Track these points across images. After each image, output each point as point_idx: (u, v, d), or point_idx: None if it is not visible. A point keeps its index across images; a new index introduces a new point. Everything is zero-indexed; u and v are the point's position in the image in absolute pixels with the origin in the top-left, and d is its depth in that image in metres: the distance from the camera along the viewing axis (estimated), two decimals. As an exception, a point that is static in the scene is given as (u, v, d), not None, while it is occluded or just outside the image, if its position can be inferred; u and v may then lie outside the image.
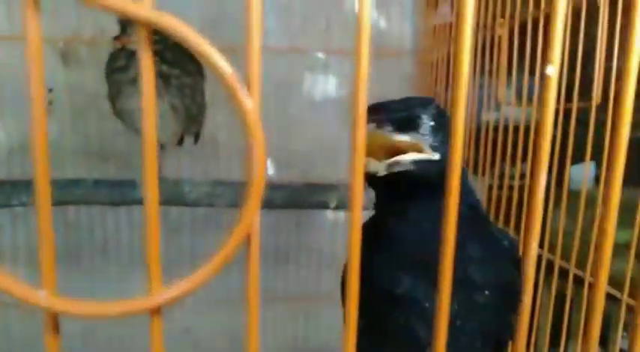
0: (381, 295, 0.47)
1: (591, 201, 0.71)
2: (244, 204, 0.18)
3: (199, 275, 0.18)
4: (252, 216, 0.18)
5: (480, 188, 0.88)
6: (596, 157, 0.70)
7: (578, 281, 0.74)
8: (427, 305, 0.46)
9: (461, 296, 0.45)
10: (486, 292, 0.47)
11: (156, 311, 0.19)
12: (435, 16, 1.09)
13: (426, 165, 0.45)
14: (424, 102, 0.47)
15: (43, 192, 0.17)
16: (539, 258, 0.77)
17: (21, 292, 0.18)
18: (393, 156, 0.44)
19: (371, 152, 0.44)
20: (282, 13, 1.15)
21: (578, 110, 0.72)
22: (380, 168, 0.44)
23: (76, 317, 0.18)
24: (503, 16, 0.84)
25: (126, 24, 0.75)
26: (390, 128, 0.44)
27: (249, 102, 0.17)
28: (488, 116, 0.87)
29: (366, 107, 0.22)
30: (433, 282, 0.44)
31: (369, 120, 0.42)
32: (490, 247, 0.49)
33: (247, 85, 0.18)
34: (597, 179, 0.74)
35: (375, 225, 0.49)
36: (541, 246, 0.77)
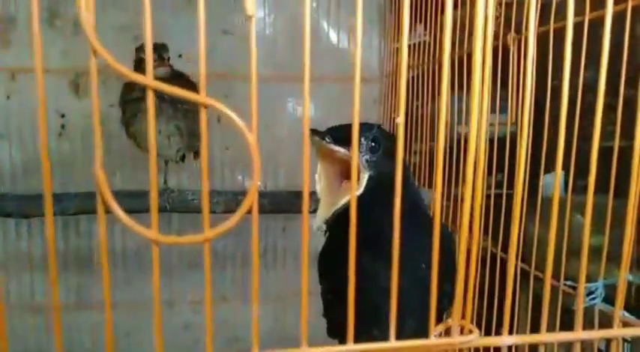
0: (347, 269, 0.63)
1: (561, 208, 0.76)
2: (250, 189, 0.35)
3: (231, 221, 0.35)
4: (254, 194, 0.35)
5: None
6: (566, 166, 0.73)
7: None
8: (381, 278, 0.62)
9: (404, 270, 0.62)
10: (423, 265, 0.64)
11: (207, 241, 0.35)
12: (409, 37, 1.26)
13: (369, 184, 0.61)
14: (367, 128, 0.63)
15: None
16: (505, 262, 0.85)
17: (137, 229, 0.34)
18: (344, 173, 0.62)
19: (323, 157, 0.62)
20: (269, 45, 1.33)
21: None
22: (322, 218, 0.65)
23: (165, 244, 0.34)
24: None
25: (142, 58, 0.90)
26: (329, 140, 0.60)
27: (251, 137, 0.34)
28: (466, 129, 1.01)
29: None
30: (380, 259, 0.60)
31: (317, 135, 0.61)
32: (428, 231, 0.66)
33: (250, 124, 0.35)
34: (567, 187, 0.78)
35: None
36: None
